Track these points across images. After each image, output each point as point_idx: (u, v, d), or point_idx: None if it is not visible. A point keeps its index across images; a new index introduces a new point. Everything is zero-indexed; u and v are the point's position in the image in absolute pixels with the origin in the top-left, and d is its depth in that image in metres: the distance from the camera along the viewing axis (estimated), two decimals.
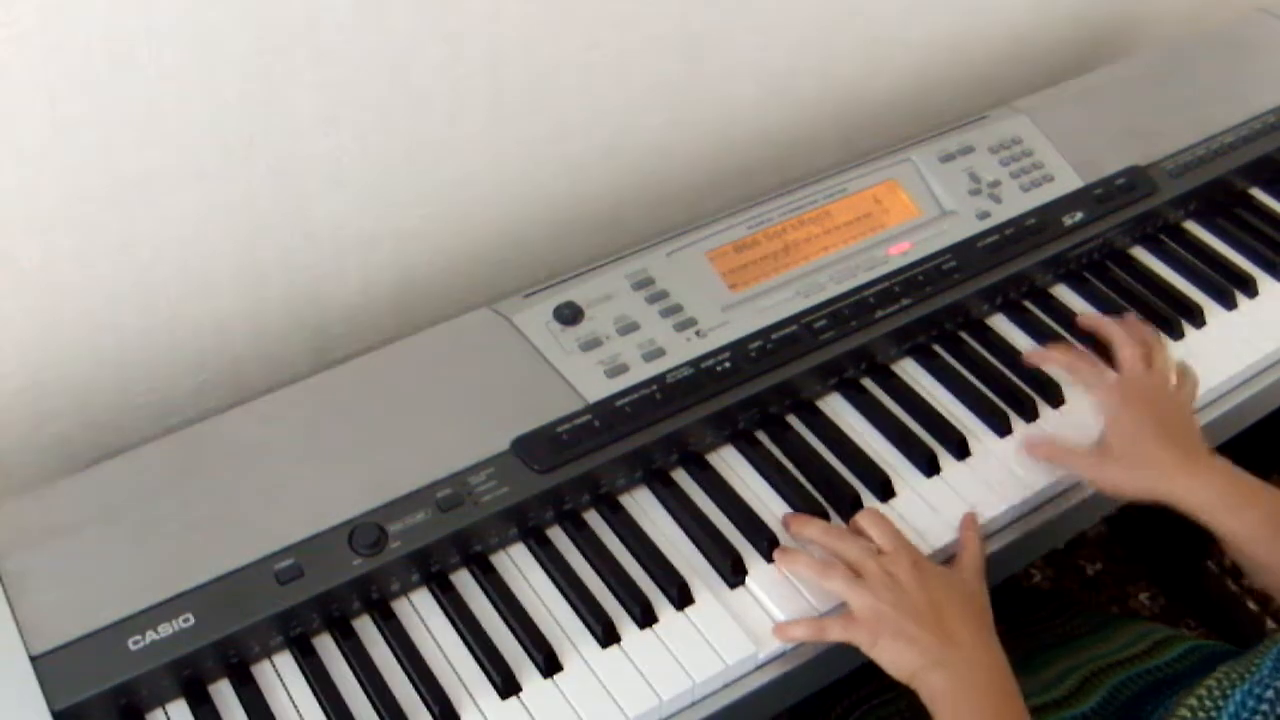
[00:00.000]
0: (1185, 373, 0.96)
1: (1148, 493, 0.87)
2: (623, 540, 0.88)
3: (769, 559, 0.87)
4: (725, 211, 1.04)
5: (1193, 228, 1.18)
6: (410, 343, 0.94)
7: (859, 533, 0.85)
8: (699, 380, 0.93)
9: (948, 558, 0.88)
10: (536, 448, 0.87)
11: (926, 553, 0.87)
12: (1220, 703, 0.74)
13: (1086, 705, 0.92)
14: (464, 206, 1.07)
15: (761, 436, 0.95)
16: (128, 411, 1.00)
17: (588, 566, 0.86)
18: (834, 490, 0.91)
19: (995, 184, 1.10)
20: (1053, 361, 0.97)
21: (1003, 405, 0.98)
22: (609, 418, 0.89)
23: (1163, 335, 1.05)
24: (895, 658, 0.77)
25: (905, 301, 1.01)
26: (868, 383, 1.00)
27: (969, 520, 0.88)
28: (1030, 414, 0.98)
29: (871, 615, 0.78)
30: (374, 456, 0.85)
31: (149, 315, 0.95)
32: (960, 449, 0.95)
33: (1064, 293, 1.10)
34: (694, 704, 0.80)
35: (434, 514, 0.83)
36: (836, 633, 0.79)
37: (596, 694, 0.79)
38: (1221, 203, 1.20)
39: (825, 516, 0.89)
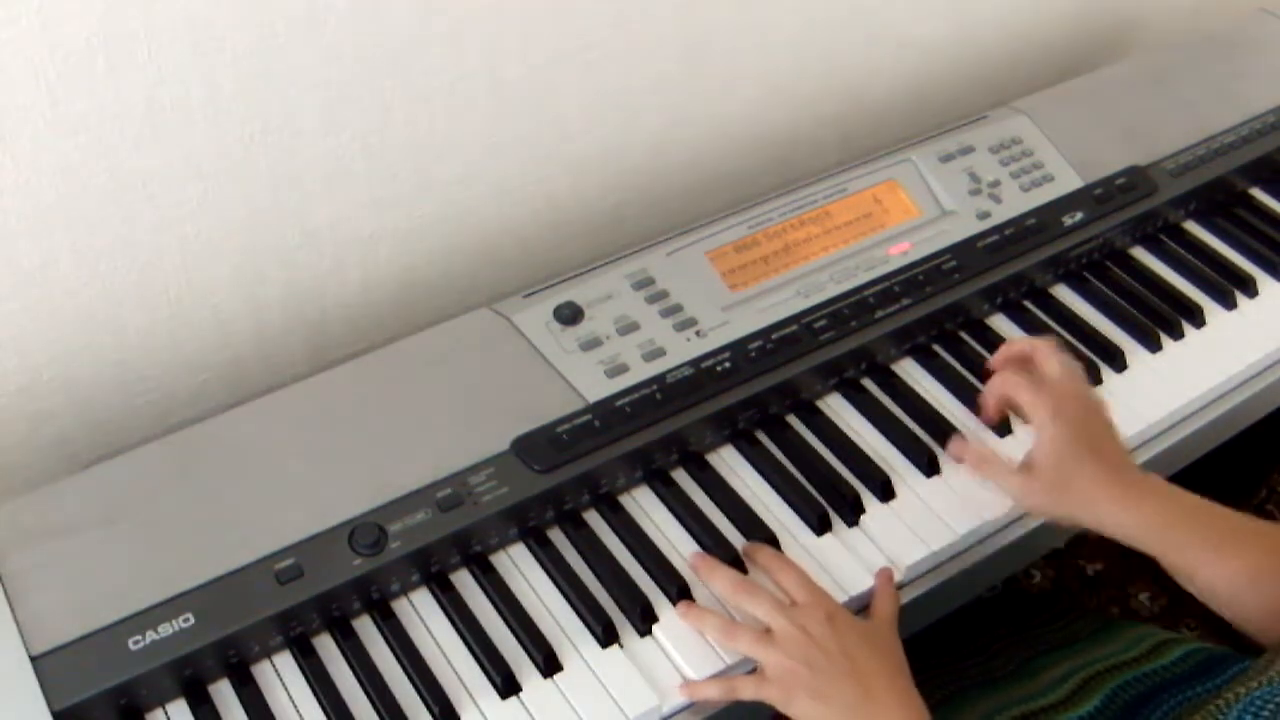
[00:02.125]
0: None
1: (1070, 519, 0.84)
2: (623, 540, 0.88)
3: None
4: (725, 211, 1.04)
5: (1193, 228, 1.18)
6: (410, 343, 0.94)
7: (769, 569, 0.82)
8: (699, 380, 0.93)
9: (958, 553, 0.88)
10: (536, 448, 0.87)
11: (931, 551, 0.87)
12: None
13: (1086, 708, 0.92)
14: (464, 206, 1.07)
15: (761, 436, 0.95)
16: (128, 411, 1.00)
17: (587, 566, 0.86)
18: (834, 490, 0.91)
19: (995, 184, 1.10)
20: (993, 396, 0.92)
21: None
22: (609, 418, 0.89)
23: (1163, 335, 1.05)
24: (811, 716, 0.74)
25: (905, 301, 1.01)
26: (868, 383, 1.00)
27: (885, 573, 0.84)
28: None
29: (784, 673, 0.75)
30: (374, 456, 0.85)
31: (149, 315, 0.95)
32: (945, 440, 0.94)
33: (1064, 293, 1.10)
34: (694, 704, 0.80)
35: (434, 514, 0.83)
36: (749, 692, 0.77)
37: (596, 694, 0.79)
38: (1221, 203, 1.20)
39: (826, 516, 0.89)
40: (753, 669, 0.79)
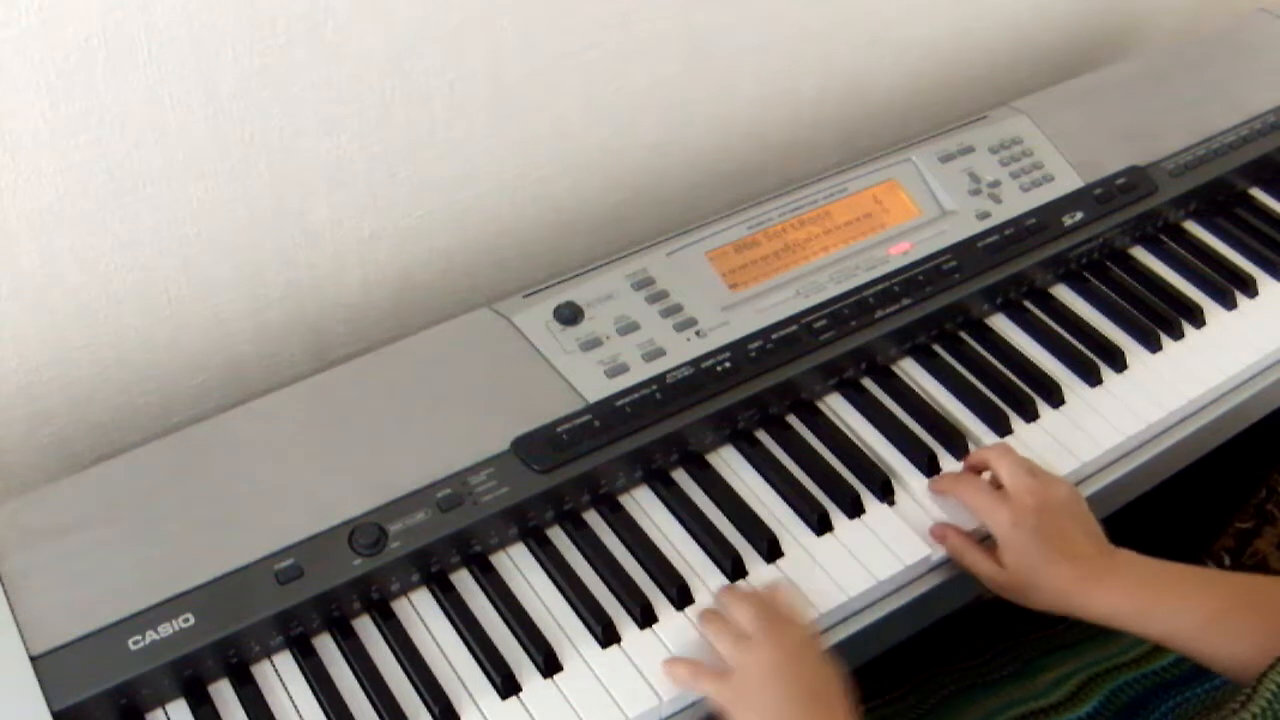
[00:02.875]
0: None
1: (1053, 610, 0.84)
2: (623, 540, 0.88)
3: (769, 559, 0.87)
4: (725, 211, 1.04)
5: (1193, 228, 1.18)
6: (410, 343, 0.94)
7: (760, 593, 0.82)
8: (699, 380, 0.93)
9: (945, 561, 0.88)
10: (536, 448, 0.87)
11: (931, 551, 0.87)
12: None
13: (1084, 709, 0.93)
14: (464, 206, 1.07)
15: (761, 436, 0.95)
16: (128, 411, 1.00)
17: (588, 566, 0.86)
18: (834, 490, 0.91)
19: (995, 184, 1.10)
20: (946, 491, 0.91)
21: (1003, 405, 0.98)
22: (609, 418, 0.89)
23: (1163, 335, 1.05)
24: None
25: (905, 301, 1.01)
26: (868, 383, 1.00)
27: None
28: (1030, 414, 0.98)
29: (745, 680, 0.76)
30: (374, 456, 0.85)
31: (149, 315, 0.95)
32: (960, 449, 0.95)
33: (1064, 293, 1.10)
34: (694, 703, 0.80)
35: (434, 514, 0.83)
36: (706, 684, 0.77)
37: (596, 694, 0.79)
38: (1221, 203, 1.20)
39: (826, 516, 0.89)
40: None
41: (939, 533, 0.88)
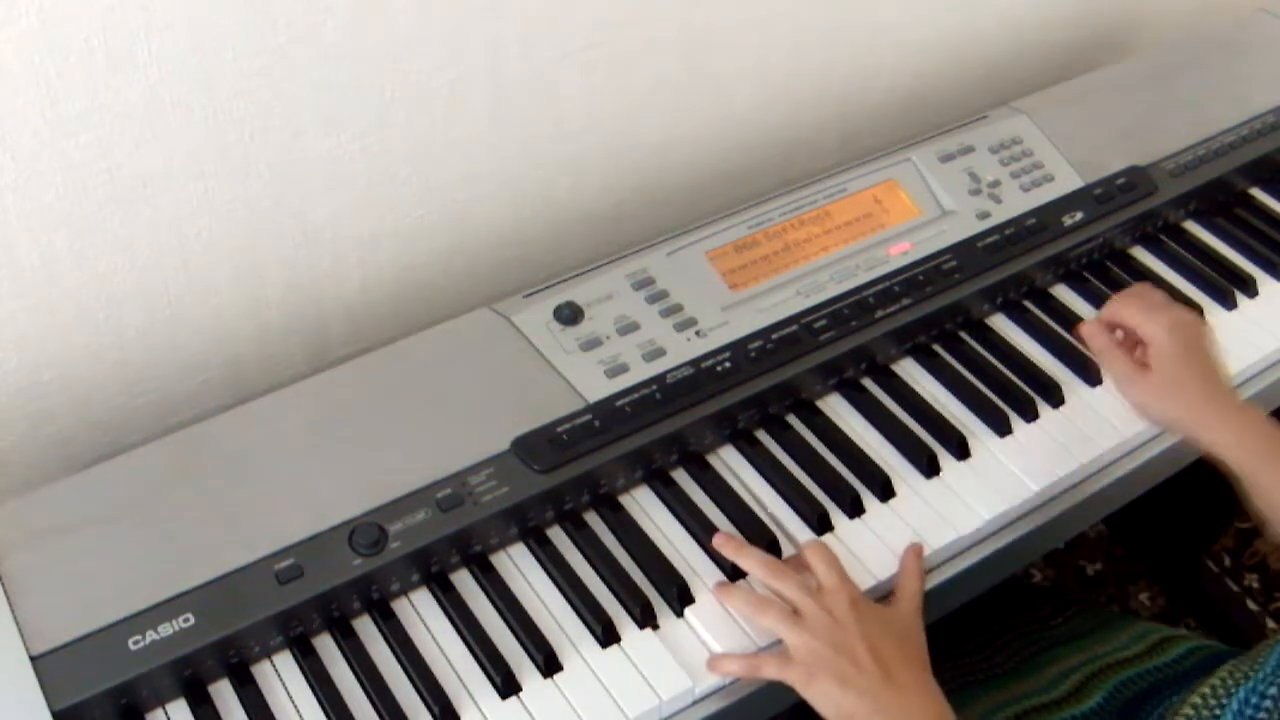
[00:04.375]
0: None
1: (1174, 423, 0.86)
2: (622, 540, 0.88)
3: None
4: (725, 211, 1.04)
5: (1193, 228, 1.18)
6: (410, 343, 0.94)
7: (803, 566, 0.82)
8: (699, 380, 0.93)
9: (945, 560, 0.88)
10: (536, 448, 0.87)
11: (931, 551, 0.87)
12: (1223, 702, 0.73)
13: (1087, 705, 0.92)
14: (464, 206, 1.07)
15: (761, 436, 0.95)
16: (128, 411, 1.00)
17: (588, 566, 0.86)
18: (834, 490, 0.91)
19: (995, 184, 1.10)
20: (1103, 319, 0.93)
21: (1003, 405, 0.98)
22: (609, 418, 0.89)
23: None
24: (832, 700, 0.74)
25: (905, 301, 1.01)
26: (868, 383, 1.00)
27: (914, 550, 0.85)
28: (1030, 414, 0.98)
29: (808, 655, 0.76)
30: (374, 456, 0.85)
31: (149, 315, 0.95)
32: (960, 449, 0.95)
33: (1064, 293, 1.10)
34: (694, 703, 0.80)
35: (434, 514, 0.83)
36: (771, 670, 0.77)
37: (596, 694, 0.79)
38: (1221, 203, 1.20)
39: (826, 516, 0.89)
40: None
41: (1087, 330, 0.91)
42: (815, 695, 0.75)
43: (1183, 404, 0.85)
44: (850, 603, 0.78)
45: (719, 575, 0.86)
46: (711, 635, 0.82)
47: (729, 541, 0.85)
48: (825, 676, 0.75)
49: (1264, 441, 0.82)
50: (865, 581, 0.85)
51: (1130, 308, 0.90)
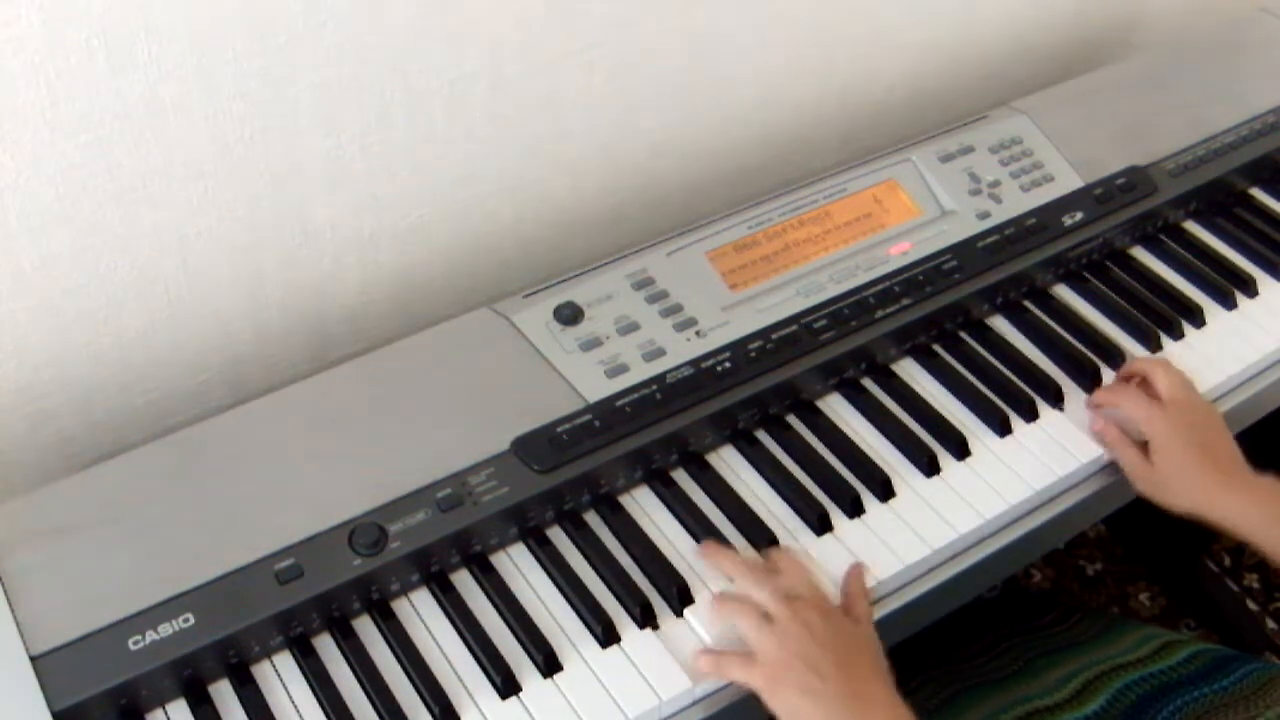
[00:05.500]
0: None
1: (1190, 512, 0.90)
2: (622, 540, 0.88)
3: None
4: (725, 211, 1.04)
5: (1193, 228, 1.18)
6: (410, 343, 0.94)
7: (775, 570, 0.82)
8: (699, 380, 0.93)
9: (945, 561, 0.88)
10: (536, 448, 0.87)
11: (931, 551, 0.87)
12: None
13: (1089, 709, 0.92)
14: (464, 206, 1.07)
15: (761, 436, 0.95)
16: (128, 411, 1.00)
17: (588, 566, 0.86)
18: (834, 490, 0.91)
19: (995, 184, 1.10)
20: (1106, 403, 0.97)
21: (1003, 405, 0.98)
22: (609, 418, 0.89)
23: (1163, 335, 1.05)
24: (795, 710, 0.74)
25: (905, 301, 1.01)
26: (868, 383, 1.00)
27: (855, 570, 0.85)
28: (1030, 414, 0.98)
29: (775, 662, 0.75)
30: (374, 456, 0.85)
31: (149, 315, 0.95)
32: (960, 449, 0.95)
33: (1064, 293, 1.10)
34: (694, 703, 0.80)
35: (434, 514, 0.83)
36: (735, 671, 0.77)
37: (596, 694, 0.79)
38: (1221, 203, 1.20)
39: (826, 516, 0.89)
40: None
41: (1100, 428, 0.95)
42: (779, 705, 0.75)
43: (1186, 494, 0.90)
44: (821, 614, 0.78)
45: (718, 575, 0.86)
46: (711, 636, 0.82)
47: (709, 547, 0.85)
48: (790, 686, 0.75)
49: (1272, 504, 0.87)
50: (866, 582, 0.85)
51: (1129, 402, 0.94)
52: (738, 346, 0.95)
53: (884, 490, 0.91)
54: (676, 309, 0.97)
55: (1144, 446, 0.93)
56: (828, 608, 0.79)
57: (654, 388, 0.91)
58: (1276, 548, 0.87)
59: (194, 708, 0.76)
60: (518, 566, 0.86)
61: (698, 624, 0.83)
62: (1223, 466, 0.91)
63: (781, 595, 0.79)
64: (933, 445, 0.94)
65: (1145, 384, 0.97)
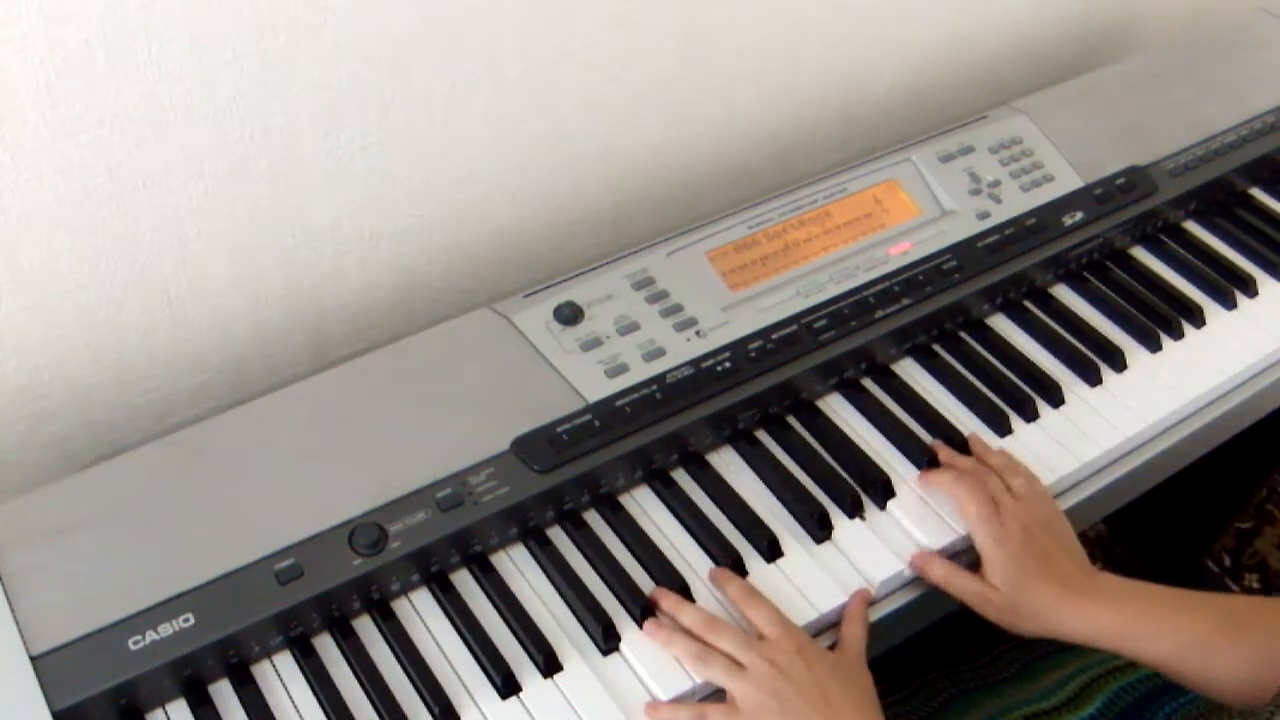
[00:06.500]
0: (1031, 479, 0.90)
1: (1036, 633, 0.84)
2: (623, 540, 0.88)
3: (770, 559, 0.87)
4: (725, 211, 1.04)
5: (1193, 228, 1.18)
6: (410, 343, 0.94)
7: (737, 603, 0.81)
8: (699, 380, 0.93)
9: (953, 554, 0.88)
10: (536, 448, 0.87)
11: (931, 551, 0.87)
12: None
13: (1085, 712, 0.93)
14: (464, 206, 1.07)
15: (761, 436, 0.95)
16: (128, 411, 1.00)
17: (588, 566, 0.86)
18: (834, 490, 0.91)
19: (995, 184, 1.10)
20: (936, 484, 0.90)
21: (1003, 405, 0.98)
22: (609, 418, 0.89)
23: (1163, 335, 1.05)
24: None
25: (905, 301, 1.01)
26: (868, 383, 1.00)
27: (859, 597, 0.84)
28: (1030, 414, 0.98)
29: (754, 705, 0.75)
30: (374, 456, 0.85)
31: (149, 315, 0.95)
32: (961, 449, 0.95)
33: (1064, 293, 1.10)
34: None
35: (434, 514, 0.83)
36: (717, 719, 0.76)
37: (596, 694, 0.79)
38: (1221, 203, 1.20)
39: (826, 516, 0.89)
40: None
41: (921, 561, 0.86)
42: None
43: (1028, 619, 0.83)
44: (796, 650, 0.77)
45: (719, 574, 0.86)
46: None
47: (665, 597, 0.83)
48: None
49: (1119, 613, 0.81)
50: (865, 583, 0.85)
51: (967, 502, 0.86)
52: (738, 346, 0.95)
53: (884, 490, 0.91)
54: (676, 309, 0.97)
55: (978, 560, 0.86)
56: (802, 642, 0.78)
57: (654, 388, 0.92)
58: (1140, 649, 0.81)
59: (194, 708, 0.76)
60: (518, 566, 0.86)
61: (654, 682, 0.80)
62: (1060, 575, 0.83)
63: (746, 641, 0.78)
64: (933, 445, 0.94)
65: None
